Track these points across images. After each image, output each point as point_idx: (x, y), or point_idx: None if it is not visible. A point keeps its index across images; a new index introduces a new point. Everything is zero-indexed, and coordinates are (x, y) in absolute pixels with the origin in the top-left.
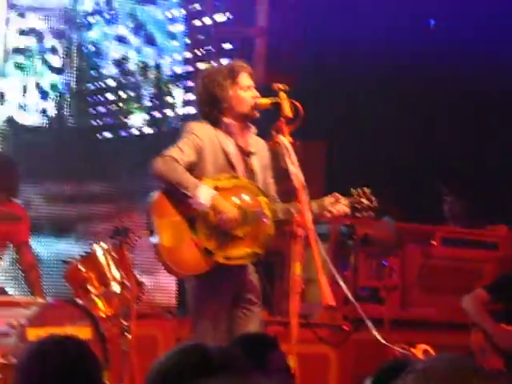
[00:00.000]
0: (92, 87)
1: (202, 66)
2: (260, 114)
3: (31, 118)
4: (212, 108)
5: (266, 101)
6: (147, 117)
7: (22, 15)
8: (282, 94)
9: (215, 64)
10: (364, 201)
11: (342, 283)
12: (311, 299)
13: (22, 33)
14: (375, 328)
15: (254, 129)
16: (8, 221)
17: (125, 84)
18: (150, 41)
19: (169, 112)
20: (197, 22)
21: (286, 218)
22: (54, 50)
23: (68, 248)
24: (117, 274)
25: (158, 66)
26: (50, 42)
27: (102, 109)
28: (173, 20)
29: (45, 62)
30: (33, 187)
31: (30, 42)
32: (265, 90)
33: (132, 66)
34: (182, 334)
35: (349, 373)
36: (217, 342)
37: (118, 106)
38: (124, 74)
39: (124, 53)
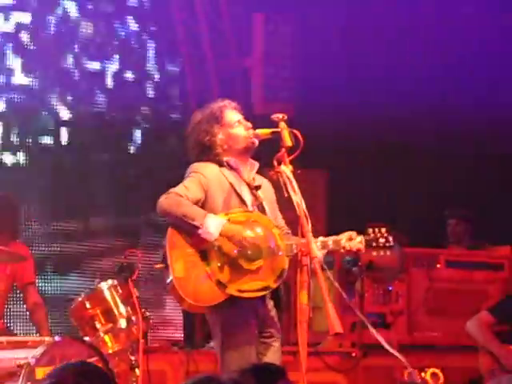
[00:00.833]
0: None
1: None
2: (260, 145)
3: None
4: (209, 155)
5: (266, 131)
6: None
7: None
8: (282, 124)
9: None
10: (381, 240)
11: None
12: (318, 327)
13: None
14: (386, 350)
15: (257, 165)
16: (13, 261)
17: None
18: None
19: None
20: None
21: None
22: None
23: (73, 285)
24: (123, 309)
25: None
26: None
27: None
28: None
29: None
30: (35, 225)
31: None
32: (264, 119)
33: None
34: (190, 367)
35: None
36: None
37: None
38: None
39: None
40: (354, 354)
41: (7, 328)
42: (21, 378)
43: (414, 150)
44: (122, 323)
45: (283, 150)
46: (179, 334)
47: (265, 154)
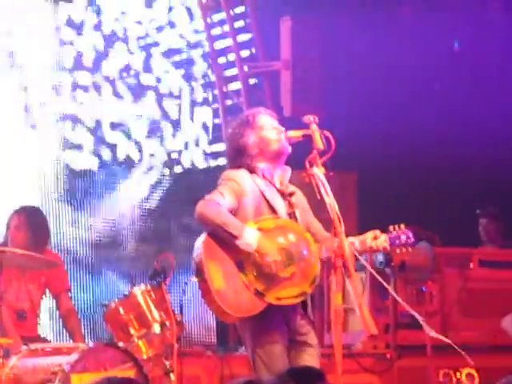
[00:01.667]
0: None
1: None
2: (292, 148)
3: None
4: (241, 158)
5: (297, 133)
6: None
7: None
8: (313, 126)
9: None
10: (403, 237)
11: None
12: (352, 329)
13: None
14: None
15: (289, 170)
16: (48, 267)
17: None
18: None
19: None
20: (221, 60)
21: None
22: None
23: (106, 290)
24: (157, 314)
25: None
26: None
27: None
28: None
29: None
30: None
31: None
32: (293, 122)
33: None
34: (224, 371)
35: None
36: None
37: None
38: None
39: None
40: (388, 356)
41: (39, 336)
42: None
43: (445, 149)
44: (156, 328)
45: (315, 151)
46: (212, 338)
47: (297, 156)
